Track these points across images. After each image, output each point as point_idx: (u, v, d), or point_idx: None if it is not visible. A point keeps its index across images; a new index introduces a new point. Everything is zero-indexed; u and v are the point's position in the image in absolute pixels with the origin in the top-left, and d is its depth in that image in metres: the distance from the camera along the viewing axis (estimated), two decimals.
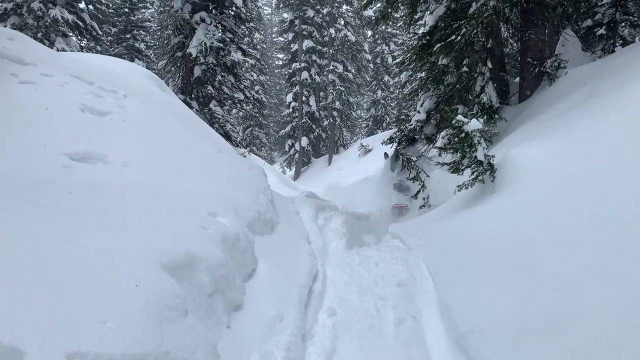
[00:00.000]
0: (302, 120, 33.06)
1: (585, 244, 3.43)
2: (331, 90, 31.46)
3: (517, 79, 10.16)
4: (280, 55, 54.43)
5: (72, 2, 19.71)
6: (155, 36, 30.26)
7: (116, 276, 2.44)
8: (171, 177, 4.51)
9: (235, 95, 17.02)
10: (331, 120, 32.05)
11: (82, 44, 21.62)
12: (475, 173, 6.15)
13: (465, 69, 9.07)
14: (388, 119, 35.53)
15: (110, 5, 27.31)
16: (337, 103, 31.57)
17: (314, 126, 33.71)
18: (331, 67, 31.22)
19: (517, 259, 3.95)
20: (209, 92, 15.98)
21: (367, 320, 4.12)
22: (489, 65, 8.95)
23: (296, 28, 32.60)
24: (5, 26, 18.21)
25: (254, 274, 4.07)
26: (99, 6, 23.18)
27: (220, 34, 15.31)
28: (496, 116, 8.72)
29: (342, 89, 31.61)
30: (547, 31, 9.20)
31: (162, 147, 5.30)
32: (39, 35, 17.97)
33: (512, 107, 9.43)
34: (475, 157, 6.07)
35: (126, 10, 28.01)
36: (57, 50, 17.83)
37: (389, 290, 4.60)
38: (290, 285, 4.23)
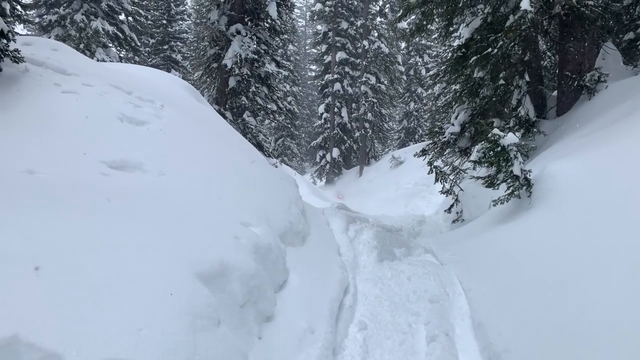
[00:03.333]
0: (334, 132, 33.15)
1: (626, 266, 3.31)
2: (363, 102, 31.46)
3: (555, 93, 9.95)
4: (313, 67, 54.81)
5: (112, 14, 20.33)
6: (192, 47, 30.89)
7: (151, 284, 2.48)
8: (205, 187, 4.56)
9: (269, 106, 17.17)
10: (363, 132, 32.01)
11: (121, 55, 22.24)
12: (511, 188, 6.04)
13: (501, 82, 8.94)
14: (420, 131, 35.28)
15: (149, 17, 28.04)
16: (369, 114, 31.54)
17: (345, 137, 33.76)
18: (364, 79, 31.25)
19: (553, 278, 3.84)
20: (243, 102, 16.17)
21: (398, 335, 4.07)
22: (526, 78, 8.80)
23: (330, 40, 32.82)
24: (49, 37, 18.90)
25: (285, 285, 4.07)
26: (138, 18, 23.86)
27: (255, 46, 15.51)
28: (534, 129, 8.56)
29: (375, 100, 31.57)
30: (586, 44, 8.99)
31: (196, 157, 5.38)
32: (81, 46, 18.55)
33: (549, 121, 9.24)
34: (512, 171, 5.97)
35: (164, 22, 28.71)
36: (98, 60, 18.39)
37: (421, 306, 4.53)
38: (321, 297, 4.21)
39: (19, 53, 5.43)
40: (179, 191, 4.08)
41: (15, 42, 5.60)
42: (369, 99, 31.32)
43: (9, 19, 15.04)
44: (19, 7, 17.92)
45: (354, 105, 34.41)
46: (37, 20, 20.70)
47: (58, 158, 3.95)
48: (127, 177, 4.02)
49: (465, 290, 4.82)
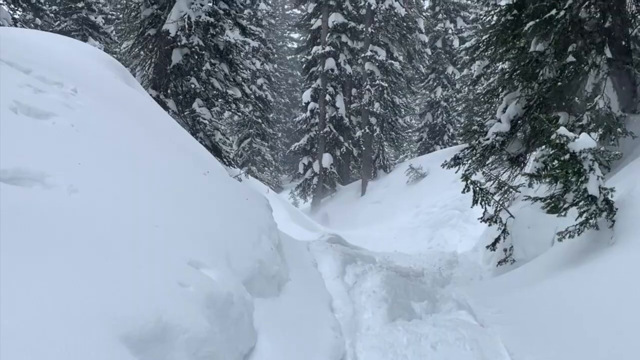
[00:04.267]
0: (325, 130, 33.29)
1: None
2: (368, 87, 31.61)
3: None
4: (295, 35, 55.34)
5: None
6: (119, 6, 30.93)
7: (53, 356, 2.44)
8: (136, 209, 4.54)
9: (230, 92, 17.24)
10: (367, 130, 32.13)
11: (16, 16, 22.22)
12: (585, 214, 6.08)
13: (571, 58, 9.03)
14: (452, 130, 35.58)
15: None
16: (377, 105, 31.66)
17: (341, 138, 33.89)
18: (369, 53, 31.45)
19: None
20: (193, 86, 16.22)
21: None
22: (607, 54, 8.90)
23: None
24: None
25: (252, 355, 4.06)
26: None
27: (210, 4, 15.59)
28: (618, 129, 8.63)
29: (385, 84, 31.71)
30: None
31: (124, 166, 5.36)
32: None
33: None
34: (585, 190, 6.01)
35: None
36: None
37: None
38: None
39: None
40: (98, 215, 4.05)
41: None
42: (377, 82, 31.48)
43: None
44: None
45: (354, 91, 34.65)
46: None
47: None
48: (22, 194, 3.98)
49: None
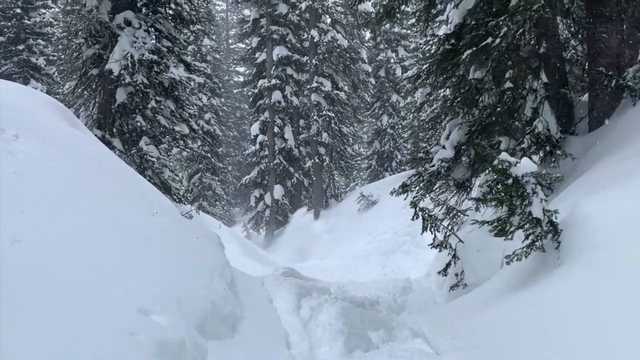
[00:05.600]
0: (275, 162, 33.28)
1: None
2: (315, 117, 31.78)
3: (586, 97, 10.25)
4: (241, 69, 55.34)
5: None
6: (60, 47, 30.55)
7: None
8: (85, 256, 4.44)
9: (177, 129, 17.08)
10: (317, 160, 32.25)
11: None
12: (531, 237, 6.13)
13: (508, 84, 9.20)
14: (399, 156, 35.90)
15: None
16: (325, 135, 31.83)
17: (291, 169, 33.91)
18: (315, 84, 31.65)
19: None
20: (139, 124, 16.02)
21: None
22: (543, 78, 9.07)
23: (263, 30, 33.27)
24: None
25: None
26: None
27: (153, 42, 15.49)
28: (558, 151, 8.78)
29: (332, 114, 31.91)
30: (625, 26, 9.27)
31: (71, 212, 5.24)
32: None
33: (579, 138, 9.51)
34: (530, 212, 6.07)
35: (18, 11, 28.40)
36: None
37: None
38: None
39: None
40: (42, 265, 3.94)
41: None
42: (324, 112, 31.67)
43: None
44: None
45: (302, 122, 34.76)
46: None
47: None
48: None
49: None
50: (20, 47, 28.17)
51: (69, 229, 4.90)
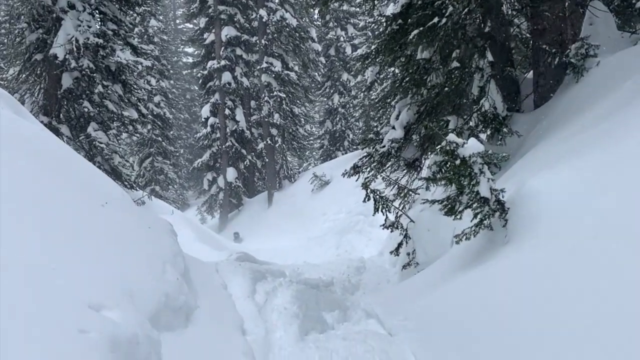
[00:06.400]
0: (227, 144, 33.08)
1: None
2: (267, 98, 31.66)
3: (531, 75, 10.38)
4: (190, 50, 54.68)
5: None
6: (2, 31, 29.77)
7: None
8: (31, 252, 4.36)
9: (126, 114, 16.90)
10: (269, 142, 32.19)
11: None
12: (479, 215, 6.24)
13: (455, 64, 9.30)
14: (351, 135, 36.03)
15: None
16: (277, 116, 31.78)
17: (244, 151, 33.78)
18: (264, 65, 31.50)
19: (544, 348, 3.96)
20: (86, 110, 15.79)
21: None
22: (489, 57, 9.15)
23: (210, 10, 32.90)
24: None
25: None
26: None
27: (99, 25, 15.24)
28: (504, 129, 8.89)
29: (283, 95, 31.86)
30: (567, 4, 9.37)
31: (14, 206, 5.14)
32: None
33: (525, 115, 9.64)
34: (478, 192, 6.16)
35: None
36: None
37: None
38: None
39: None
40: None
41: None
42: (275, 93, 31.58)
43: None
44: None
45: (253, 103, 34.59)
46: None
47: None
48: None
49: None
50: None
51: (13, 223, 4.81)
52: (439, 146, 6.37)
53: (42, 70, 16.21)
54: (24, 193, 5.63)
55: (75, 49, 14.76)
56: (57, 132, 14.49)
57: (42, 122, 12.85)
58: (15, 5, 17.73)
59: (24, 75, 16.61)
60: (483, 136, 9.00)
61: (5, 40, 28.55)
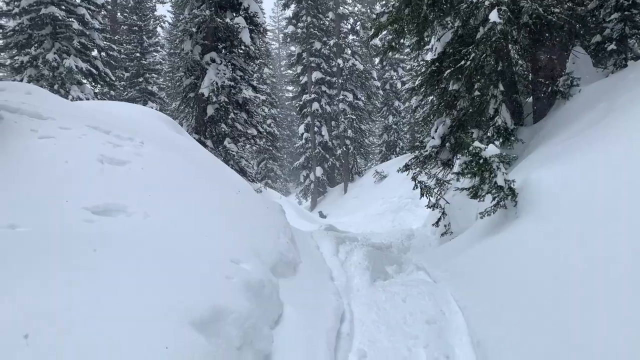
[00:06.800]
0: (316, 151, 33.21)
1: (623, 268, 3.31)
2: (342, 119, 31.70)
3: (531, 99, 10.12)
4: (290, 88, 55.16)
5: (85, 50, 20.21)
6: (167, 78, 30.81)
7: (146, 338, 2.41)
8: (192, 225, 4.50)
9: (249, 131, 17.16)
10: (344, 149, 32.17)
11: (96, 91, 22.07)
12: (497, 198, 6.07)
13: (477, 92, 9.05)
14: (401, 144, 35.52)
15: (122, 51, 27.98)
16: (349, 131, 31.76)
17: (327, 156, 33.85)
18: (341, 97, 31.52)
19: (546, 288, 3.83)
20: (223, 129, 16.14)
21: None
22: (501, 87, 8.92)
23: (304, 61, 33.04)
24: (22, 79, 18.71)
25: (281, 320, 4.01)
26: (110, 53, 23.79)
27: (230, 73, 15.56)
28: (512, 138, 8.67)
29: (353, 117, 31.82)
30: (556, 49, 9.22)
31: (180, 194, 5.31)
32: (55, 86, 18.41)
33: (527, 128, 9.36)
34: (495, 182, 6.00)
35: (137, 54, 28.63)
36: (73, 98, 18.22)
37: (419, 328, 4.49)
38: (317, 328, 4.15)
39: None
40: (165, 233, 4.01)
41: None
42: (348, 116, 31.58)
43: None
44: None
45: (333, 123, 34.58)
46: (8, 62, 20.48)
47: (40, 209, 3.86)
48: (111, 222, 3.94)
49: (461, 308, 4.80)
50: (140, 79, 28.43)
51: (182, 205, 4.96)
52: (467, 150, 6.22)
53: (193, 103, 16.65)
54: (188, 184, 5.81)
55: (215, 89, 15.11)
56: (204, 145, 14.87)
57: (194, 138, 13.22)
58: (176, 61, 18.32)
59: (182, 107, 17.12)
60: (497, 143, 8.73)
61: (169, 84, 29.56)
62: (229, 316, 3.05)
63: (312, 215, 24.29)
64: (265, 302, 3.82)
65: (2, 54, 20.56)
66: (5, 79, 22.26)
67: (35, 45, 19.20)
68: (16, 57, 19.63)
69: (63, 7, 19.32)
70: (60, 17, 18.89)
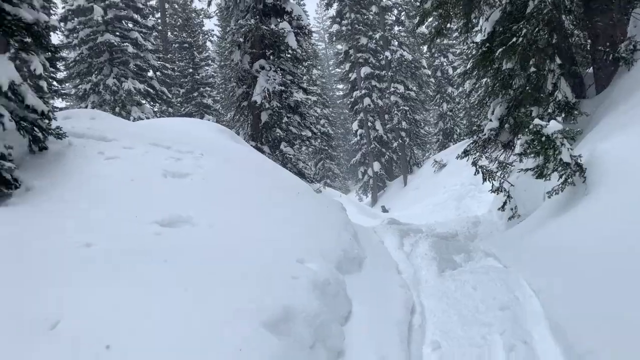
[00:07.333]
0: (371, 146, 33.04)
1: None
2: (396, 112, 31.37)
3: (591, 69, 9.62)
4: (340, 86, 55.11)
5: (141, 72, 21.11)
6: (220, 90, 31.60)
7: (221, 341, 2.49)
8: (255, 230, 4.59)
9: (303, 133, 17.30)
10: (400, 141, 31.82)
11: (155, 109, 22.96)
12: (564, 176, 5.82)
13: (532, 69, 8.70)
14: (458, 130, 34.71)
15: (175, 68, 28.94)
16: (404, 123, 31.38)
17: (383, 150, 33.60)
18: (392, 89, 31.19)
19: (625, 267, 3.63)
20: (278, 134, 16.37)
21: (474, 350, 3.92)
22: (557, 61, 8.53)
23: (351, 57, 32.94)
24: (86, 106, 19.78)
25: (350, 317, 4.01)
26: (165, 71, 24.69)
27: (280, 78, 15.74)
28: (574, 112, 8.26)
29: (406, 108, 31.43)
30: (614, 15, 8.72)
31: (241, 201, 5.44)
32: (117, 109, 19.30)
33: (590, 100, 8.90)
34: (561, 159, 5.75)
35: (190, 70, 29.53)
36: (134, 119, 19.04)
37: (492, 315, 4.37)
38: (388, 322, 4.12)
39: (60, 129, 5.69)
40: (229, 239, 4.12)
41: (56, 120, 5.88)
42: (401, 107, 31.23)
43: (47, 95, 15.72)
44: (55, 82, 18.89)
45: (386, 116, 34.30)
46: (73, 91, 21.73)
47: (112, 226, 4.06)
48: (178, 233, 4.10)
49: (536, 291, 4.63)
50: (195, 94, 29.30)
51: (243, 211, 5.08)
52: (528, 129, 6.01)
53: (247, 112, 16.97)
54: (248, 191, 5.93)
55: (267, 96, 15.35)
56: (261, 151, 15.13)
57: (251, 145, 13.49)
58: (227, 72, 18.78)
59: (237, 117, 17.49)
60: (559, 119, 8.36)
61: (223, 96, 30.30)
62: (299, 315, 3.10)
63: (373, 210, 24.18)
64: (333, 299, 3.84)
65: (66, 84, 21.80)
66: (72, 107, 23.58)
67: (96, 72, 20.22)
68: (80, 86, 20.79)
69: (117, 33, 20.27)
70: (115, 43, 19.83)
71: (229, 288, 3.14)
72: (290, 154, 16.77)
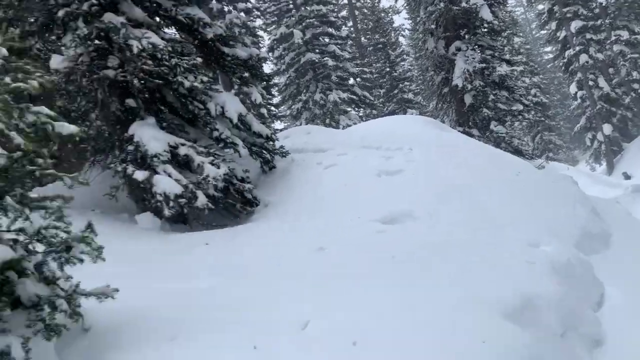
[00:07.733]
0: (597, 107, 29.22)
1: None
2: (622, 63, 27.21)
3: None
4: (548, 49, 50.25)
5: (342, 82, 22.31)
6: (419, 81, 31.52)
7: (462, 334, 2.43)
8: (478, 217, 4.42)
9: (513, 108, 16.25)
10: (634, 95, 27.50)
11: (360, 114, 23.96)
12: None
13: None
14: None
15: (373, 71, 29.80)
16: (635, 73, 27.04)
17: (613, 109, 29.39)
18: (613, 38, 27.16)
19: None
20: (485, 114, 15.64)
21: None
22: None
23: (557, 15, 29.73)
24: (300, 122, 21.65)
25: (603, 301, 3.58)
26: (364, 76, 25.61)
27: (479, 55, 15.05)
28: None
29: (636, 55, 27.04)
30: None
31: (455, 190, 5.27)
32: (327, 120, 20.69)
33: None
34: None
35: (387, 69, 30.09)
36: (343, 127, 20.16)
37: None
38: None
39: (283, 148, 6.35)
40: (451, 230, 4.03)
41: (278, 140, 6.58)
42: (628, 57, 26.96)
43: (268, 120, 17.70)
44: (272, 107, 21.18)
45: (611, 70, 30.05)
46: (287, 112, 24.06)
47: (338, 229, 4.33)
48: (400, 228, 4.16)
49: None
50: (395, 91, 29.72)
51: (460, 200, 4.92)
52: None
53: (450, 98, 16.63)
54: (464, 179, 5.69)
55: (468, 77, 14.83)
56: (469, 134, 14.61)
57: (458, 130, 13.14)
58: (423, 63, 18.64)
59: (439, 105, 17.27)
60: None
61: (422, 87, 30.15)
62: (541, 302, 2.87)
63: (611, 179, 21.34)
64: (578, 283, 3.47)
65: (281, 107, 24.19)
66: (289, 127, 26.04)
67: (304, 91, 22.03)
68: (292, 106, 22.92)
69: (317, 51, 21.78)
70: (316, 60, 21.31)
71: (464, 279, 3.06)
72: (502, 133, 15.88)
